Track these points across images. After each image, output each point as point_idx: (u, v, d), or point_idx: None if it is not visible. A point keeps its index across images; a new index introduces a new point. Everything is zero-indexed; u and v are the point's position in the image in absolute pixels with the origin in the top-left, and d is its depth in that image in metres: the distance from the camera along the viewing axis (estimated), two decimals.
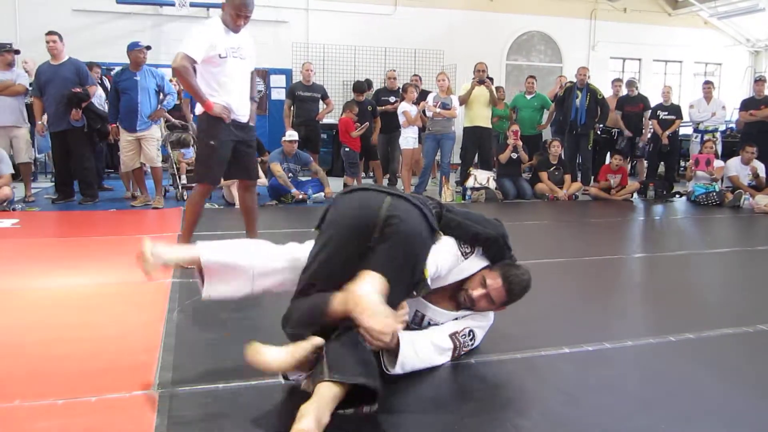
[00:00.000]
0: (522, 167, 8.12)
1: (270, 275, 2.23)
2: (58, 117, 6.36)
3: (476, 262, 2.36)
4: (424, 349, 2.19)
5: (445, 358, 2.26)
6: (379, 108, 8.17)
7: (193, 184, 7.06)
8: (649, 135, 8.84)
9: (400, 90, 8.28)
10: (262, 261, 2.23)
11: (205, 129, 3.77)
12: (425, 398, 2.04)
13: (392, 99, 8.15)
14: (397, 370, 2.10)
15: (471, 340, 2.33)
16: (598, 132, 8.51)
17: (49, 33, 6.38)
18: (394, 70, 8.69)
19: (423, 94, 8.29)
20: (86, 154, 6.57)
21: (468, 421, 1.89)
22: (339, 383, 1.77)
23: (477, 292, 2.29)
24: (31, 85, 6.79)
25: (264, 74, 10.18)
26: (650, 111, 8.79)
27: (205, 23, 3.80)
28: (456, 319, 2.36)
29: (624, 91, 9.12)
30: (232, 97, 3.75)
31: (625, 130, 8.75)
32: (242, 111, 3.84)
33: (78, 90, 6.27)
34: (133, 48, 6.27)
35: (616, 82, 9.21)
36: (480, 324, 2.38)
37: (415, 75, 8.12)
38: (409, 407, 1.98)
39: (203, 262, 2.17)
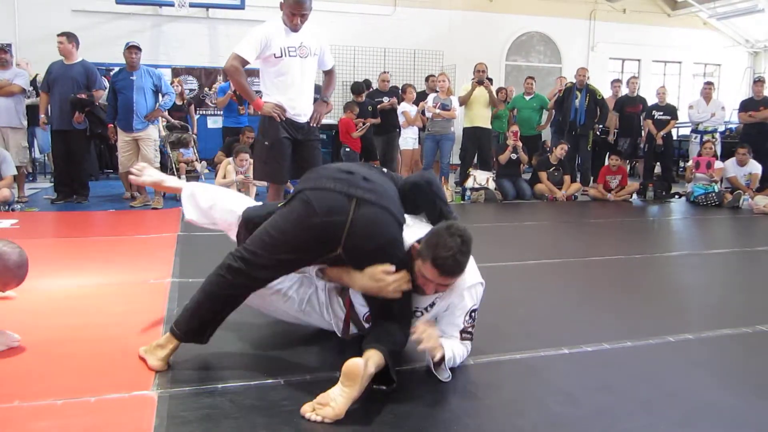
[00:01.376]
0: (522, 167, 8.12)
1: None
2: (62, 116, 6.38)
3: (412, 233, 2.21)
4: (457, 350, 2.20)
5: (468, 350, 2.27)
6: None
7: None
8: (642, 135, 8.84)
9: (399, 91, 8.28)
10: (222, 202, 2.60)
11: (261, 128, 3.90)
12: (425, 398, 2.04)
13: (385, 99, 8.15)
14: (446, 375, 2.13)
15: (473, 320, 2.26)
16: (597, 132, 8.51)
17: (60, 34, 6.39)
18: (387, 72, 8.68)
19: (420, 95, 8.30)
20: (84, 156, 6.58)
21: (468, 421, 1.89)
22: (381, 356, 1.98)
23: (420, 282, 2.11)
24: (31, 84, 6.79)
25: None
26: (645, 111, 8.77)
27: (264, 23, 3.83)
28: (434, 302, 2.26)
29: (624, 90, 9.08)
30: (287, 96, 3.78)
31: (611, 131, 8.68)
32: (300, 110, 3.84)
33: (82, 96, 6.29)
34: (125, 48, 6.30)
35: (615, 82, 9.22)
36: (464, 301, 2.24)
37: (409, 85, 8.10)
38: (409, 407, 1.98)
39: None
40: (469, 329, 2.25)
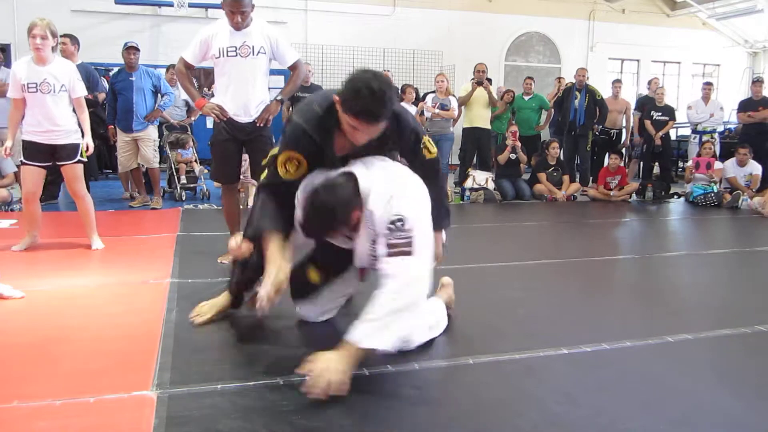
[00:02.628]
0: (522, 168, 8.12)
1: None
2: None
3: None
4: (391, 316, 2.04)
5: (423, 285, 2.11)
6: None
7: (192, 185, 7.14)
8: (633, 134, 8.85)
9: (399, 91, 8.28)
10: None
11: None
12: (424, 398, 2.04)
13: None
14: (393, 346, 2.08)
15: (402, 230, 2.05)
16: (596, 133, 8.52)
17: (63, 35, 6.37)
18: (388, 71, 8.69)
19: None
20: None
21: (466, 421, 1.89)
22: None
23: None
24: None
25: None
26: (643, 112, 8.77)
27: (211, 24, 3.79)
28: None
29: (624, 91, 9.04)
30: (227, 97, 3.73)
31: (628, 130, 8.66)
32: (240, 110, 3.75)
33: (88, 97, 6.28)
34: (123, 48, 6.29)
35: (617, 83, 9.21)
36: (383, 216, 2.09)
37: (408, 85, 8.09)
38: (407, 407, 1.98)
39: None
40: (397, 241, 2.04)
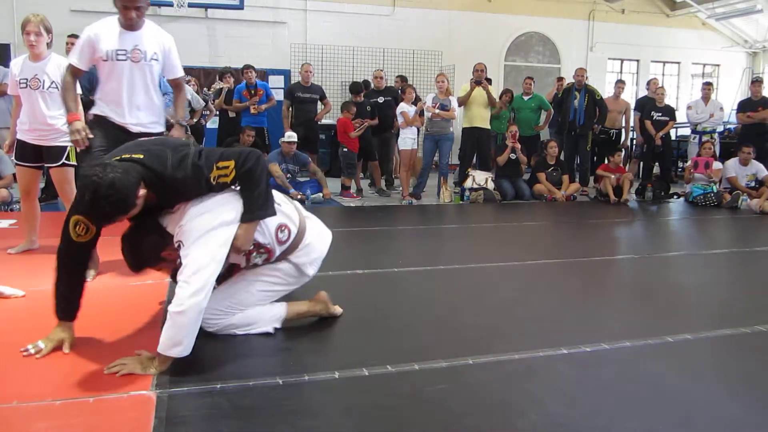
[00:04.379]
0: (522, 168, 8.11)
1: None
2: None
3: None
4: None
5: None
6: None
7: None
8: (631, 134, 8.84)
9: (399, 91, 8.27)
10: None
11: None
12: (424, 398, 2.04)
13: (380, 99, 8.14)
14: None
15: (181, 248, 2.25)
16: (596, 132, 8.51)
17: (70, 35, 6.37)
18: (382, 70, 8.67)
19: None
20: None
21: (466, 421, 1.89)
22: None
23: None
24: None
25: (263, 75, 10.19)
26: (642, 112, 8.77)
27: (97, 22, 3.34)
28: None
29: (638, 91, 9.00)
30: (110, 108, 3.32)
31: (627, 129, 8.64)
32: (131, 119, 3.33)
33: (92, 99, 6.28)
34: None
35: (619, 83, 9.19)
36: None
37: (408, 85, 8.09)
38: (407, 407, 1.98)
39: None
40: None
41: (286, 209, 2.60)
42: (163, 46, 3.39)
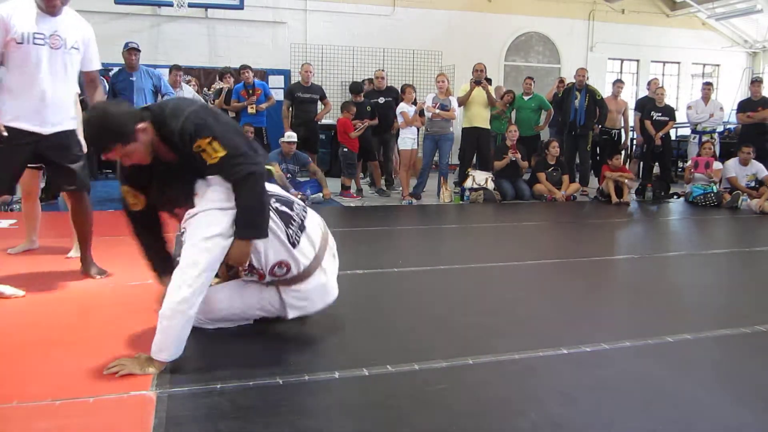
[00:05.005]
0: (522, 170, 8.10)
1: None
2: None
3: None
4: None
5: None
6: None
7: None
8: (631, 134, 8.84)
9: (399, 91, 8.27)
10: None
11: None
12: (423, 398, 2.04)
13: (381, 100, 8.14)
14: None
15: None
16: (597, 133, 8.51)
17: None
18: (383, 70, 8.67)
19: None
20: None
21: (465, 421, 1.89)
22: None
23: None
24: None
25: (262, 74, 10.19)
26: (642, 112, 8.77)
27: (9, 1, 2.96)
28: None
29: (624, 91, 9.03)
30: (22, 99, 2.97)
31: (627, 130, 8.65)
32: (46, 118, 3.03)
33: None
34: (123, 49, 6.30)
35: (618, 83, 9.20)
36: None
37: (408, 85, 8.09)
38: (407, 407, 1.98)
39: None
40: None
41: (303, 249, 2.43)
42: (84, 36, 3.14)
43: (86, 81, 3.28)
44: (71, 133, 3.18)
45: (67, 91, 3.12)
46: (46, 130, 3.07)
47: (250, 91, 7.87)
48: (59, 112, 3.10)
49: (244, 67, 7.96)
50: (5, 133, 2.89)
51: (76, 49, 3.10)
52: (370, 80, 8.87)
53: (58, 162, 3.18)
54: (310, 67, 8.21)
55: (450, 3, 11.98)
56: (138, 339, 2.49)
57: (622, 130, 9.03)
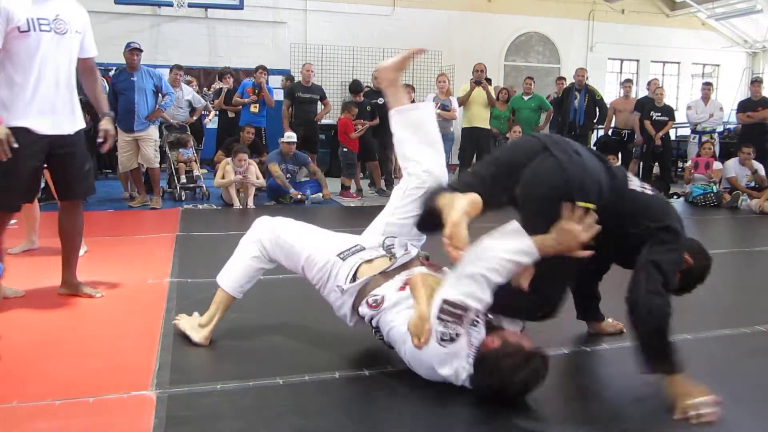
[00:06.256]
0: None
1: None
2: None
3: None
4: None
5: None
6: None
7: (191, 185, 7.13)
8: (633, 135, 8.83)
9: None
10: None
11: None
12: (424, 398, 2.04)
13: (381, 100, 8.13)
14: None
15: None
16: (607, 133, 8.47)
17: None
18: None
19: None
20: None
21: (467, 420, 1.89)
22: None
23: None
24: None
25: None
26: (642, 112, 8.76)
27: None
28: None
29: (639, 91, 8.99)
30: (30, 95, 2.64)
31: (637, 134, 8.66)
32: (61, 118, 2.75)
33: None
34: (125, 49, 6.30)
35: (627, 83, 9.16)
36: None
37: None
38: (407, 407, 1.98)
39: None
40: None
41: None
42: (83, 20, 2.85)
43: (83, 70, 2.96)
44: (81, 134, 2.93)
45: (74, 83, 2.82)
46: (61, 130, 2.78)
47: (257, 91, 7.89)
48: (71, 109, 2.82)
49: (261, 68, 7.99)
50: (16, 145, 2.57)
51: (79, 33, 2.80)
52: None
53: (64, 168, 2.91)
54: (311, 66, 8.22)
55: (450, 3, 11.99)
56: (138, 339, 2.49)
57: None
